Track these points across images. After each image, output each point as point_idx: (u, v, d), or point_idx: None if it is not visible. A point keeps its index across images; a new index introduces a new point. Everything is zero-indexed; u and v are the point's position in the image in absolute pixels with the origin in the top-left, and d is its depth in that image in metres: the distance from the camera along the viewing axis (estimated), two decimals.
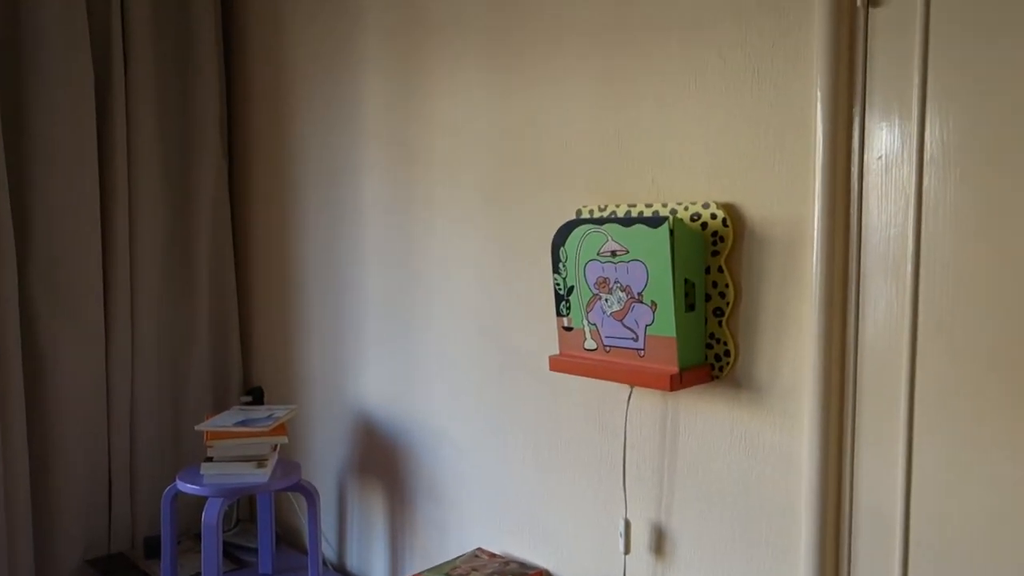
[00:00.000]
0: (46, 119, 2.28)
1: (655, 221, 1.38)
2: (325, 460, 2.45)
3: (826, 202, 1.28)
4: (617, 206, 1.57)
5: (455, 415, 2.01)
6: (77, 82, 2.31)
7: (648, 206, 1.52)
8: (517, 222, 1.81)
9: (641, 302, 1.43)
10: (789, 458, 1.36)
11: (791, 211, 1.34)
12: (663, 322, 1.41)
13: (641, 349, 1.45)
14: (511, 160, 1.81)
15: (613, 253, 1.46)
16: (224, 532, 2.52)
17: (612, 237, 1.46)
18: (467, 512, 1.99)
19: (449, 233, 1.98)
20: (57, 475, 2.35)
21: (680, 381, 1.41)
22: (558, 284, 1.57)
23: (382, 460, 2.24)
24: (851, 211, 1.28)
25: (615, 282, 1.47)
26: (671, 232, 1.37)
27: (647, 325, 1.44)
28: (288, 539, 2.58)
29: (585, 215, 1.63)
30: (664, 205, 1.49)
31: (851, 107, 1.27)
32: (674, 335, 1.39)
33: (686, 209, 1.47)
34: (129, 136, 2.44)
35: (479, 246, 1.90)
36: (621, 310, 1.47)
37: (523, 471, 1.84)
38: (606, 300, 1.49)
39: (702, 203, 1.44)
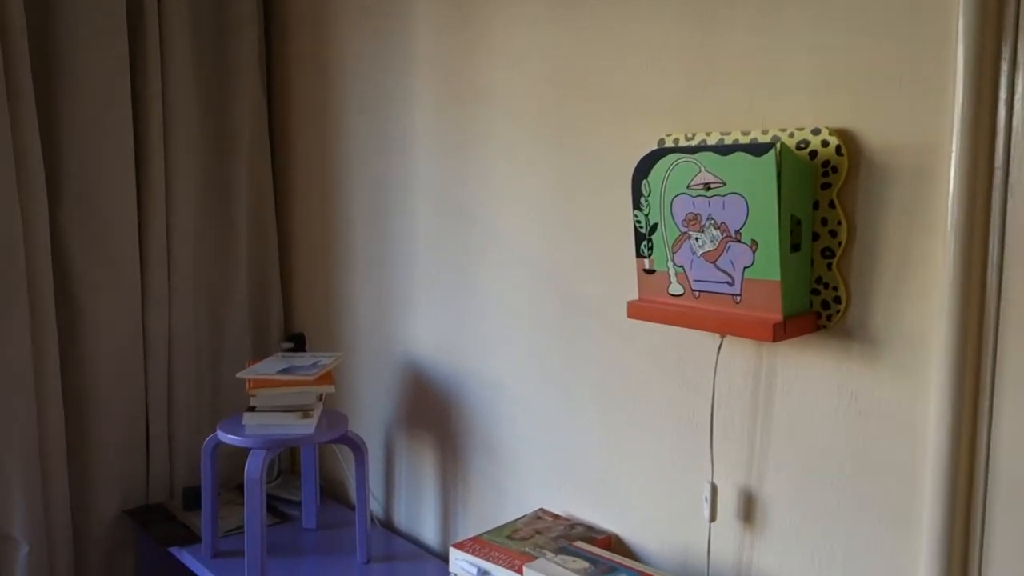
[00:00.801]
0: (74, 51, 2.13)
1: (759, 148, 1.21)
2: (372, 411, 2.33)
3: (968, 125, 1.10)
4: (708, 134, 1.40)
5: (513, 367, 1.86)
6: (107, 13, 2.15)
7: (745, 133, 1.34)
8: (586, 157, 1.64)
9: (739, 241, 1.26)
10: (911, 418, 1.20)
11: (921, 137, 1.15)
12: (765, 264, 1.24)
13: (738, 295, 1.29)
14: (579, 88, 1.63)
15: (707, 186, 1.29)
16: (266, 484, 2.42)
17: (706, 167, 1.28)
18: (526, 471, 1.85)
19: (508, 171, 1.82)
20: (92, 423, 2.25)
21: (784, 331, 1.24)
22: (639, 222, 1.41)
23: (433, 413, 2.11)
24: (996, 136, 1.09)
25: (708, 219, 1.30)
26: (778, 161, 1.20)
27: (745, 267, 1.27)
28: (332, 492, 2.47)
29: (669, 145, 1.46)
30: (764, 132, 1.32)
31: (1002, 6, 1.08)
32: (778, 278, 1.23)
33: (791, 136, 1.29)
34: (164, 70, 2.28)
35: (542, 184, 1.74)
36: (714, 250, 1.30)
37: (591, 428, 1.69)
38: (696, 239, 1.32)
39: (811, 129, 1.26)
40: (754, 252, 1.25)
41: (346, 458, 2.37)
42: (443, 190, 2.00)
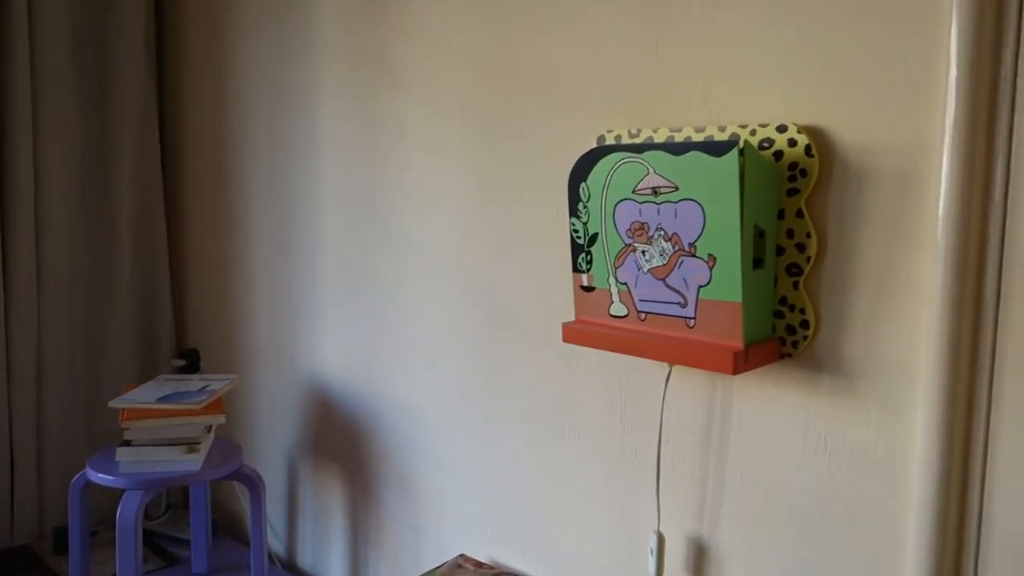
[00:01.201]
0: None
1: (718, 147, 1.02)
2: (273, 440, 2.08)
3: (962, 123, 0.93)
4: (655, 131, 1.21)
5: (434, 391, 1.65)
6: None
7: (699, 130, 1.16)
8: (516, 154, 1.44)
9: (694, 255, 1.08)
10: (891, 463, 1.03)
11: (907, 136, 0.99)
12: (724, 282, 1.06)
13: (691, 317, 1.10)
14: (507, 75, 1.43)
15: (656, 191, 1.10)
16: (151, 521, 2.15)
17: (655, 169, 1.10)
18: (447, 510, 1.64)
19: (428, 170, 1.60)
20: None
21: (746, 361, 1.06)
22: (576, 231, 1.21)
23: (342, 442, 1.88)
24: (995, 136, 0.93)
25: (657, 229, 1.11)
26: (741, 162, 1.02)
27: (701, 286, 1.08)
28: (229, 528, 2.21)
29: (611, 142, 1.27)
30: (721, 129, 1.14)
31: None
32: (740, 300, 1.05)
33: (753, 134, 1.11)
34: (35, 67, 2.00)
35: (466, 185, 1.53)
36: (664, 266, 1.12)
37: (521, 463, 1.49)
38: (643, 252, 1.14)
39: (776, 125, 1.08)
40: (711, 268, 1.07)
41: (243, 493, 2.12)
42: (354, 192, 1.77)
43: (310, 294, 1.92)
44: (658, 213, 1.11)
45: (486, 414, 1.55)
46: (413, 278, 1.67)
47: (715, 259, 1.06)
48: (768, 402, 1.14)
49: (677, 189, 1.08)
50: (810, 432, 1.10)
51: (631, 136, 1.24)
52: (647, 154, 1.10)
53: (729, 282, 1.05)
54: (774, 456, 1.14)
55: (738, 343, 1.06)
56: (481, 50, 1.47)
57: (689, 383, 1.23)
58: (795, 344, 1.10)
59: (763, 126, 1.10)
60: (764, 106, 1.11)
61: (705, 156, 1.04)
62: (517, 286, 1.46)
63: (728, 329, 1.07)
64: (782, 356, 1.12)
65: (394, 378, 1.74)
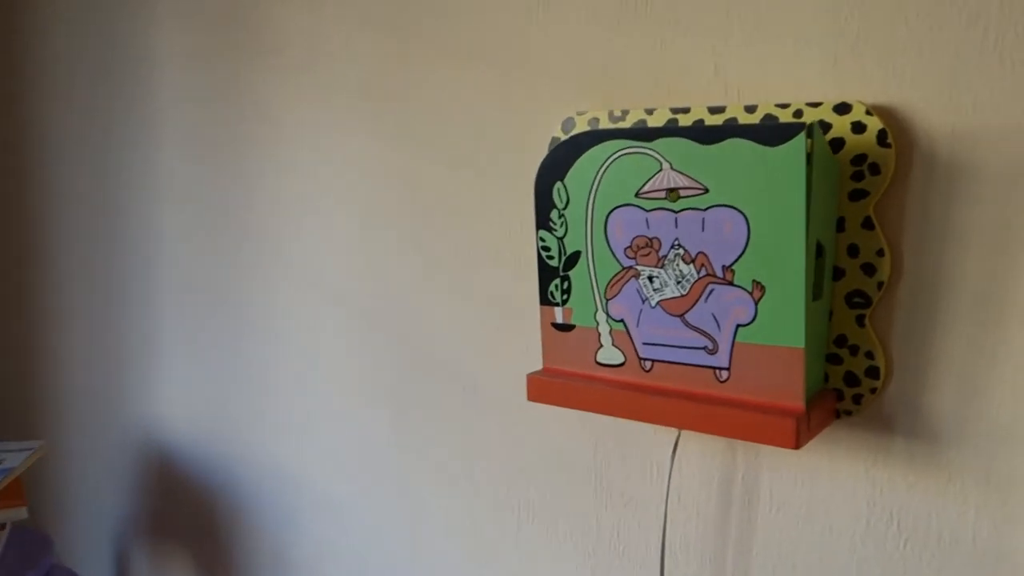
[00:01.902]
0: None
1: (777, 132, 0.73)
2: (96, 526, 1.62)
3: None
4: (649, 113, 0.91)
5: (324, 455, 1.28)
6: None
7: (715, 111, 0.86)
8: (445, 148, 1.09)
9: (730, 283, 0.78)
10: (996, 557, 0.77)
11: (1022, 115, 0.73)
12: (776, 320, 0.76)
13: (723, 368, 0.80)
14: (433, 43, 1.08)
15: (673, 193, 0.80)
16: None
17: (673, 163, 0.79)
18: None
19: (315, 172, 1.23)
20: None
21: (808, 427, 0.77)
22: (547, 249, 0.89)
23: (193, 523, 1.46)
24: None
25: (673, 246, 0.81)
26: (810, 152, 0.72)
27: (740, 325, 0.78)
28: None
29: (584, 128, 0.95)
30: (749, 110, 0.84)
31: None
32: (801, 344, 0.75)
33: (797, 116, 0.82)
34: None
35: (372, 192, 1.17)
36: (684, 297, 0.81)
37: (447, 552, 1.15)
38: (652, 279, 0.83)
39: (833, 104, 0.80)
40: (756, 302, 0.77)
41: None
42: (208, 199, 1.37)
43: (143, 333, 1.48)
44: (676, 225, 0.80)
45: (398, 486, 1.19)
46: (294, 312, 1.28)
47: (763, 288, 0.76)
48: (813, 473, 0.86)
49: (706, 192, 0.78)
50: (876, 513, 0.82)
51: (613, 120, 0.93)
52: (661, 142, 0.79)
53: (785, 320, 0.76)
54: (822, 544, 0.86)
55: (797, 402, 0.77)
56: (391, 8, 1.11)
57: (696, 447, 0.93)
58: (857, 399, 0.82)
59: (813, 105, 0.81)
60: (807, 77, 0.82)
61: (753, 145, 0.74)
62: (446, 324, 1.12)
63: (780, 384, 0.77)
64: (838, 415, 0.84)
65: (266, 438, 1.34)
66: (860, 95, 0.79)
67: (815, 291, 0.79)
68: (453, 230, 1.09)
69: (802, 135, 0.71)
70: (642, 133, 0.80)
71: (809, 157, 0.72)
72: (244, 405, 1.39)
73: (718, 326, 0.80)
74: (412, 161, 1.12)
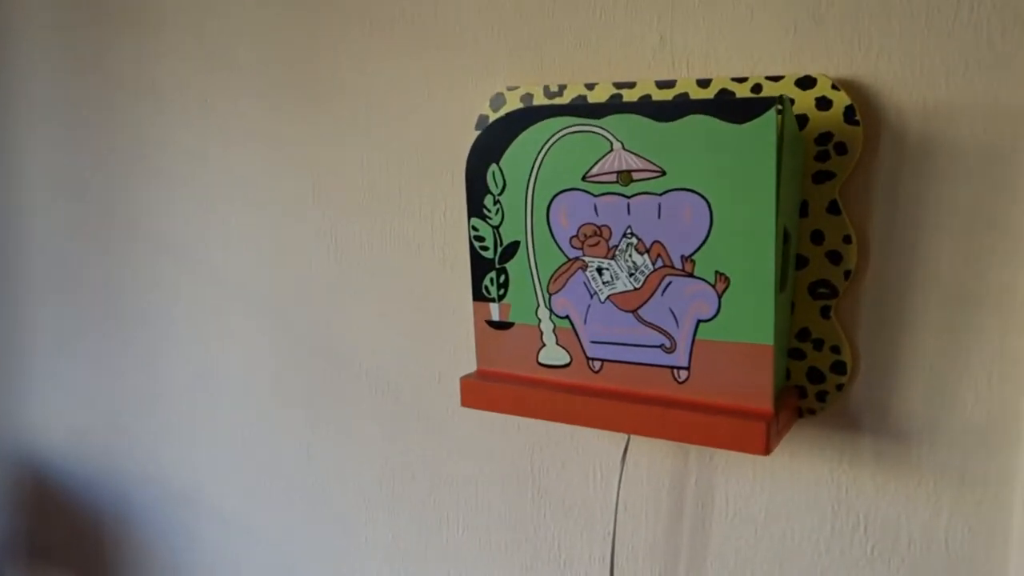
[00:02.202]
0: None
1: (745, 107, 0.65)
2: None
3: None
4: (589, 88, 0.82)
5: (224, 467, 1.15)
6: None
7: (664, 86, 0.78)
8: (354, 127, 0.98)
9: (689, 275, 0.71)
10: (971, 560, 0.73)
11: (1001, 92, 0.68)
12: (742, 315, 0.69)
13: (682, 367, 0.73)
14: (337, 8, 0.97)
15: (624, 176, 0.71)
16: None
17: (626, 143, 0.71)
18: None
19: (204, 152, 1.10)
20: None
21: (777, 430, 0.71)
22: (480, 239, 0.79)
23: (76, 543, 1.31)
24: None
25: (625, 235, 0.73)
26: (779, 130, 0.65)
27: (701, 321, 0.71)
28: None
29: (514, 105, 0.86)
30: (703, 84, 0.77)
31: None
32: (769, 341, 0.69)
33: (756, 92, 0.75)
34: None
35: (270, 175, 1.05)
36: (637, 291, 0.73)
37: (371, 571, 1.05)
38: (601, 271, 0.74)
39: (796, 78, 0.73)
40: (720, 295, 0.70)
41: None
42: (87, 188, 1.21)
43: (11, 335, 1.32)
44: (628, 211, 0.72)
45: (311, 500, 1.08)
46: (190, 311, 1.15)
47: (727, 280, 0.69)
48: (773, 476, 0.80)
49: (663, 174, 0.70)
50: (841, 517, 0.77)
51: (549, 95, 0.84)
52: (611, 119, 0.71)
53: (751, 315, 0.69)
54: (783, 551, 0.80)
55: (765, 404, 0.70)
56: None
57: (644, 449, 0.86)
58: (822, 396, 0.76)
59: (773, 79, 0.74)
60: (763, 48, 0.75)
61: (717, 122, 0.67)
62: (364, 324, 1.01)
63: (746, 384, 0.70)
64: (801, 413, 0.78)
65: (159, 449, 1.21)
66: (823, 68, 0.73)
67: (780, 282, 0.73)
68: (368, 220, 0.99)
69: (772, 111, 0.64)
70: (590, 109, 0.72)
71: (780, 135, 0.65)
72: (132, 412, 1.24)
73: (676, 322, 0.72)
74: (319, 145, 1.01)
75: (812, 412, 0.77)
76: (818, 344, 0.76)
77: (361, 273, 1.00)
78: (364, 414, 1.03)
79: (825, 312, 0.75)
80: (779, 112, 0.65)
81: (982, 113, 0.68)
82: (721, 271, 0.69)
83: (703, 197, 0.68)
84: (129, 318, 1.22)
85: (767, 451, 0.68)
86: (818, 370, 0.76)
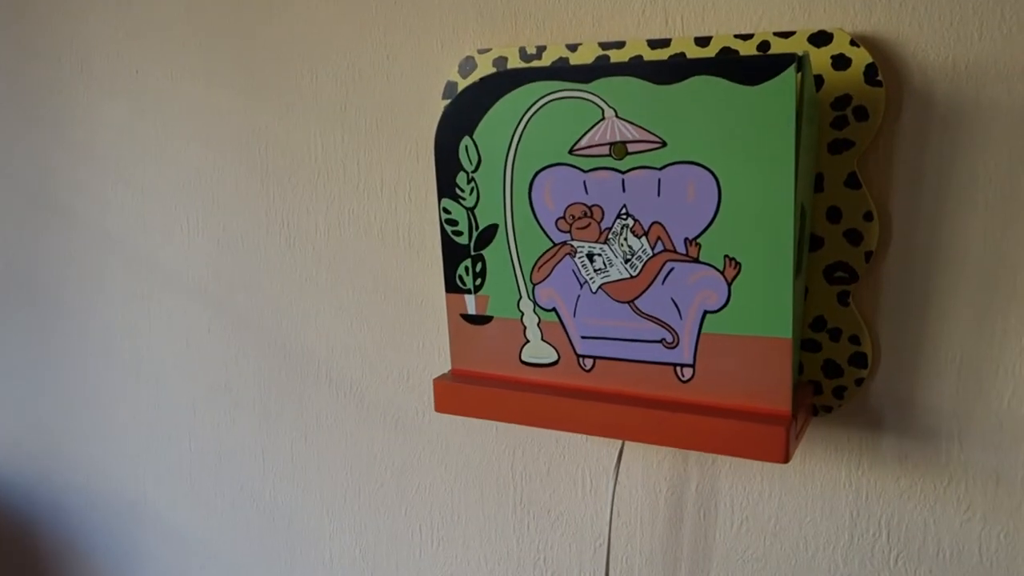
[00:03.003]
0: None
1: (757, 65, 0.57)
2: None
3: None
4: (572, 49, 0.73)
5: (172, 478, 1.05)
6: None
7: (657, 45, 0.69)
8: (304, 97, 0.88)
9: (694, 260, 0.62)
10: (1009, 571, 0.65)
11: None
12: (755, 305, 0.61)
13: (686, 364, 0.64)
14: None
15: (618, 148, 0.62)
16: None
17: (619, 110, 0.61)
18: None
19: (131, 126, 0.99)
20: None
21: (797, 435, 0.63)
22: (453, 224, 0.70)
23: (8, 565, 1.20)
24: None
25: (620, 215, 0.64)
26: (799, 92, 0.57)
27: (708, 312, 0.63)
28: None
29: (484, 70, 0.76)
30: (701, 43, 0.68)
31: None
32: (788, 334, 0.60)
33: (764, 49, 0.67)
34: None
35: (209, 151, 0.94)
36: (634, 279, 0.64)
37: None
38: (592, 257, 0.65)
39: (808, 34, 0.64)
40: (730, 283, 0.61)
41: None
42: (3, 163, 1.09)
43: None
44: (623, 188, 0.63)
45: (267, 512, 0.98)
46: (126, 308, 1.04)
47: (738, 266, 0.61)
48: (783, 480, 0.72)
49: (663, 145, 0.61)
50: (861, 524, 0.70)
51: (525, 58, 0.74)
52: (601, 83, 0.62)
53: (766, 304, 0.60)
54: (795, 563, 0.72)
55: (783, 406, 0.62)
56: None
57: (639, 452, 0.77)
58: (839, 392, 0.69)
59: (783, 35, 0.65)
60: (768, 0, 0.67)
61: (726, 84, 0.58)
62: (322, 319, 0.91)
63: (759, 383, 0.62)
64: (816, 411, 0.70)
65: (97, 458, 1.10)
66: (838, 22, 0.64)
67: (795, 266, 0.64)
68: (322, 202, 0.88)
69: (791, 70, 0.55)
70: (576, 72, 0.62)
71: (800, 98, 0.57)
72: (64, 416, 1.13)
73: (679, 313, 0.64)
74: (262, 116, 0.90)
75: (828, 409, 0.69)
76: (835, 334, 0.68)
77: (316, 260, 0.90)
78: (324, 415, 0.93)
79: (843, 298, 0.67)
80: (798, 71, 0.56)
81: (1021, 71, 0.60)
82: (731, 255, 0.61)
83: (710, 171, 0.60)
84: (52, 310, 1.11)
85: (787, 458, 0.60)
86: (835, 363, 0.68)
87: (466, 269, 0.71)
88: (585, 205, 0.65)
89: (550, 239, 0.66)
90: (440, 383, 0.72)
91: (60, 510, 1.18)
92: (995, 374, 0.63)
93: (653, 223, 0.63)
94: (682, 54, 0.69)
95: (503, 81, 0.65)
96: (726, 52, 0.67)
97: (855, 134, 0.64)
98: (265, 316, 0.95)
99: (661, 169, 0.61)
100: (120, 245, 1.04)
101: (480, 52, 0.76)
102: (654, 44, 0.69)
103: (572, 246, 0.66)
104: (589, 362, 0.68)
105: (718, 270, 0.61)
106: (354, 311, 0.89)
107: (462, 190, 0.69)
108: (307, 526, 0.97)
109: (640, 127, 0.61)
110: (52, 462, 1.17)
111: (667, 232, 0.62)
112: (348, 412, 0.92)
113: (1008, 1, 0.59)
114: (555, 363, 0.69)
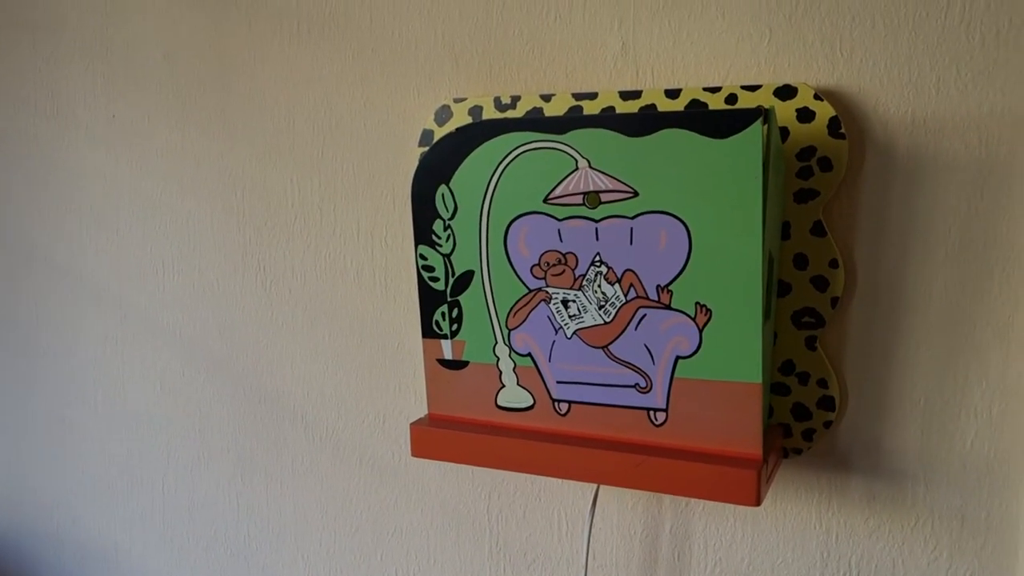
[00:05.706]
0: None
1: (726, 119, 0.59)
2: None
3: None
4: (545, 99, 0.74)
5: (147, 525, 1.04)
6: None
7: (629, 96, 0.71)
8: (279, 144, 0.89)
9: (666, 307, 0.63)
10: None
11: (1006, 100, 0.62)
12: (725, 350, 0.62)
13: (659, 409, 0.66)
14: (257, 11, 0.88)
15: (591, 197, 0.64)
16: None
17: (592, 161, 0.63)
18: None
19: (111, 171, 0.99)
20: None
21: (768, 478, 0.64)
22: (430, 270, 0.71)
23: None
24: None
25: (594, 263, 0.65)
26: (766, 145, 0.59)
27: (680, 357, 0.64)
28: None
29: (460, 119, 0.78)
30: (671, 95, 0.70)
31: None
32: (758, 379, 0.62)
33: (732, 102, 0.69)
34: None
35: (185, 196, 0.95)
36: (608, 325, 0.66)
37: None
38: (567, 303, 0.67)
39: (775, 87, 0.67)
40: (701, 329, 0.63)
41: None
42: None
43: None
44: (596, 236, 0.64)
45: (241, 559, 0.98)
46: (99, 348, 1.04)
47: (709, 313, 0.62)
48: (755, 522, 0.73)
49: (635, 195, 0.62)
50: (832, 564, 0.71)
51: (500, 108, 0.76)
52: (576, 134, 0.63)
53: (736, 350, 0.62)
54: None
55: (753, 449, 0.63)
56: None
57: (613, 494, 0.78)
58: (808, 434, 0.70)
59: (750, 88, 0.67)
60: (736, 55, 0.69)
61: (696, 137, 0.60)
62: (297, 364, 0.91)
63: (731, 427, 0.63)
64: (786, 454, 0.71)
65: (68, 502, 1.09)
66: (803, 76, 0.67)
67: (764, 312, 0.66)
68: (299, 246, 0.89)
69: (758, 124, 0.57)
70: (551, 123, 0.64)
71: (766, 150, 0.59)
72: (37, 464, 1.12)
73: (652, 359, 0.65)
74: (240, 162, 0.91)
75: (798, 452, 0.70)
76: (803, 378, 0.69)
77: (292, 304, 0.91)
78: (299, 459, 0.93)
79: (811, 343, 0.68)
80: (764, 124, 0.58)
81: (976, 123, 0.62)
82: (702, 302, 0.62)
83: (680, 220, 0.61)
84: (26, 353, 1.10)
85: (758, 501, 0.61)
86: (804, 406, 0.70)
87: (443, 314, 0.72)
88: (560, 252, 0.66)
89: (525, 285, 0.68)
90: (417, 428, 0.73)
91: (29, 558, 1.16)
92: (958, 416, 0.65)
93: (626, 271, 0.64)
94: (653, 105, 0.71)
95: (480, 130, 0.66)
96: (695, 104, 0.69)
97: (820, 184, 0.66)
98: (240, 360, 0.95)
99: (633, 218, 0.63)
100: (95, 288, 1.03)
101: (456, 101, 0.78)
102: (626, 95, 0.71)
103: (547, 292, 0.67)
104: (564, 406, 0.69)
105: (689, 316, 0.63)
106: (330, 355, 0.90)
107: (439, 237, 0.70)
108: (281, 572, 0.97)
109: (613, 177, 0.63)
110: (22, 508, 1.15)
111: (639, 279, 0.64)
112: (324, 456, 0.92)
113: (963, 58, 0.62)
114: (531, 407, 0.70)
